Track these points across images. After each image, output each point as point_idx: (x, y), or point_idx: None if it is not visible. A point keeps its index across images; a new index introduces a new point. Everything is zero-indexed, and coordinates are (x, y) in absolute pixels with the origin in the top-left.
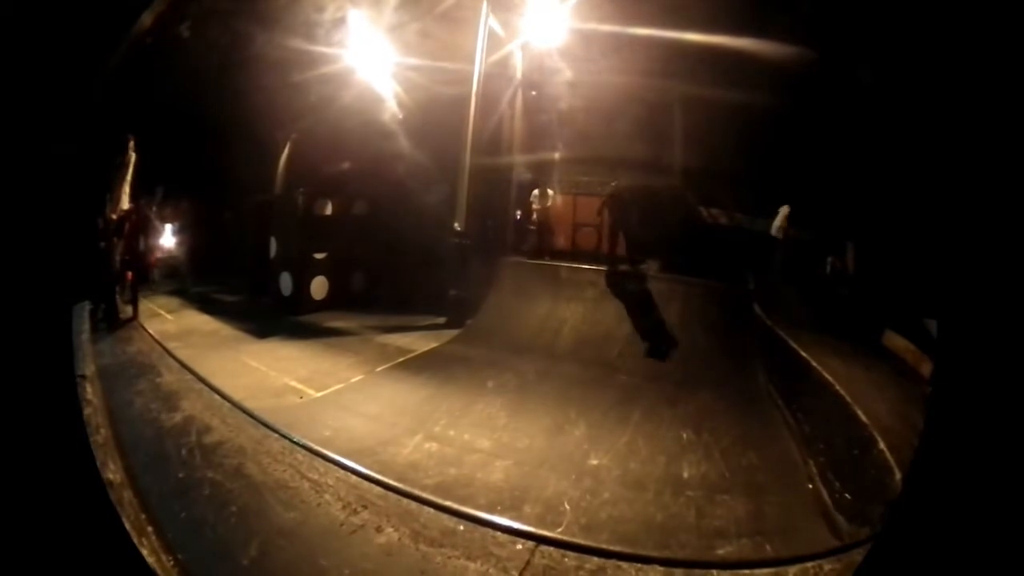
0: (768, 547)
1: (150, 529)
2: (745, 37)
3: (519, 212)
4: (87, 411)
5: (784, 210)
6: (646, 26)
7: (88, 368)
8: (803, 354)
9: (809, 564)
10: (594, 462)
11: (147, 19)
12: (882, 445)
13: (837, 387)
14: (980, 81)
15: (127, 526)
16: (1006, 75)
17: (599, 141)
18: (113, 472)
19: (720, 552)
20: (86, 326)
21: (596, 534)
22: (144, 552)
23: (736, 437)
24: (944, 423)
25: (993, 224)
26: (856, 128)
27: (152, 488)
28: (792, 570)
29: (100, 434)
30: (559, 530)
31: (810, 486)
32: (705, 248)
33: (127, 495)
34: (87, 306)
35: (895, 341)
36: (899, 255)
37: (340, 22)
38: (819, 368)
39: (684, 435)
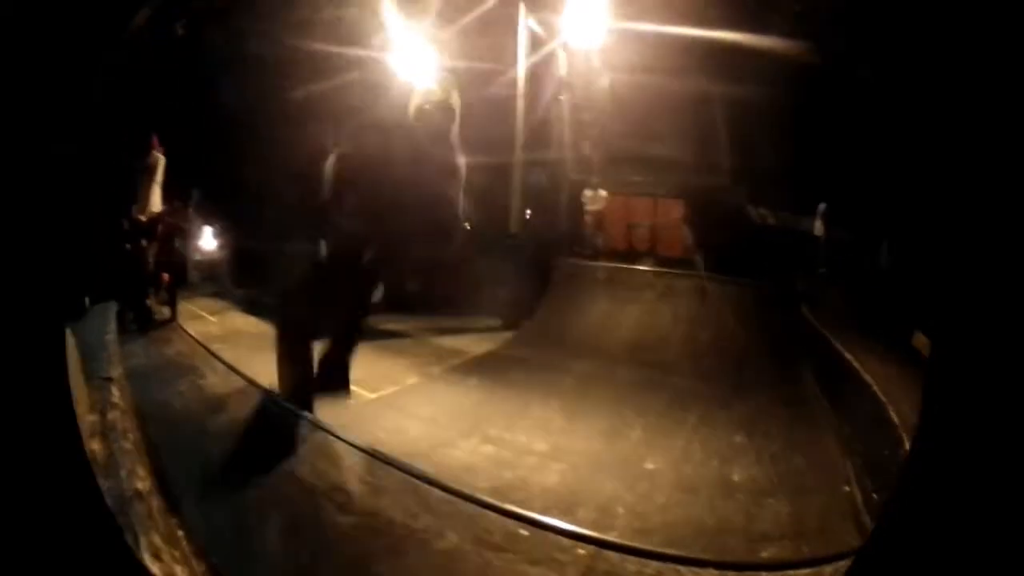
0: (806, 548)
1: (180, 535)
2: (787, 36)
3: (572, 214)
4: (112, 415)
5: (821, 208)
6: (691, 24)
7: (115, 370)
8: (846, 355)
9: (841, 563)
10: (649, 466)
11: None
12: (908, 446)
13: (874, 387)
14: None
15: (153, 536)
16: None
17: (647, 141)
18: (142, 479)
19: (763, 554)
20: (112, 328)
21: (649, 538)
22: (170, 561)
23: (785, 440)
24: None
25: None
26: (896, 124)
27: (190, 493)
28: (828, 569)
29: (128, 439)
30: (614, 534)
31: (847, 488)
32: (756, 248)
33: (156, 502)
34: (113, 307)
35: (923, 341)
36: (929, 254)
37: (381, 25)
38: (859, 369)
39: (737, 438)
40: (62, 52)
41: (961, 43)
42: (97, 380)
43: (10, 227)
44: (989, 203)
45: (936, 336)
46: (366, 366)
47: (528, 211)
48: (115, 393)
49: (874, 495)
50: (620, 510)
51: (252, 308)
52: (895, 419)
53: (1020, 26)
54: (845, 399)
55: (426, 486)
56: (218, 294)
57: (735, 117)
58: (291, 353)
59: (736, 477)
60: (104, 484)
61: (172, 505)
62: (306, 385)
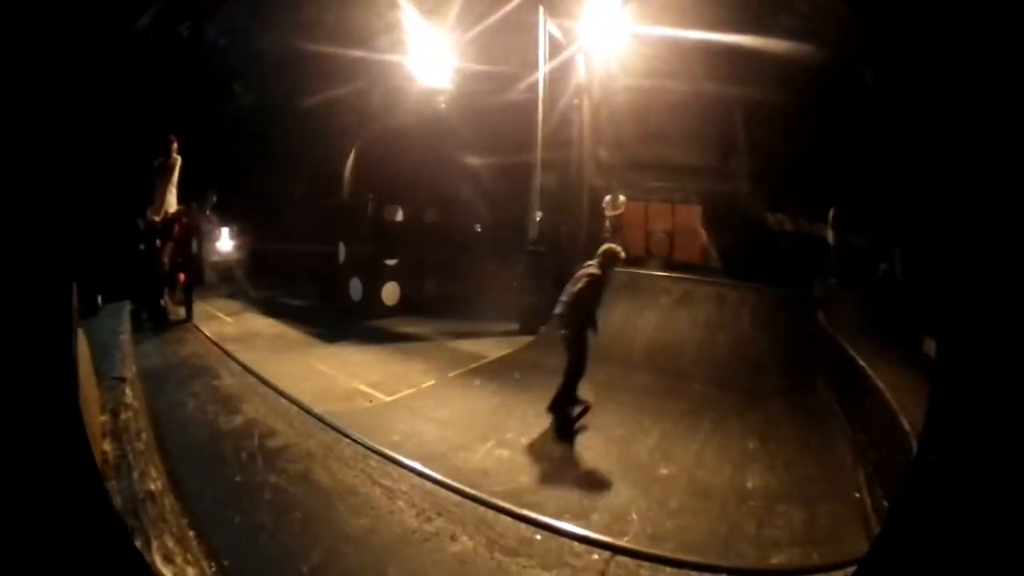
0: (816, 555)
1: (192, 535)
2: (803, 41)
3: (591, 218)
4: (125, 415)
5: (832, 212)
6: (709, 30)
7: (128, 371)
8: (860, 361)
9: (850, 569)
10: (663, 472)
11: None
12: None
13: (887, 395)
14: None
15: (165, 537)
16: None
17: (666, 146)
18: (154, 480)
19: (774, 560)
20: (125, 327)
21: (662, 543)
22: (182, 563)
23: (799, 447)
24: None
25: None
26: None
27: (204, 494)
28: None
29: (141, 439)
30: (627, 539)
31: (857, 495)
32: (773, 254)
33: (168, 502)
34: (127, 307)
35: (933, 348)
36: (940, 260)
37: (402, 29)
38: (872, 375)
39: (751, 444)
40: (73, 52)
41: (972, 47)
42: (110, 380)
43: (21, 225)
44: (995, 207)
45: (942, 342)
46: (382, 369)
47: (539, 214)
48: (128, 394)
49: (884, 503)
50: (634, 515)
51: (269, 309)
52: (906, 427)
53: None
54: (858, 406)
55: (441, 489)
56: (235, 295)
57: (753, 122)
58: None
59: (749, 483)
60: (116, 485)
61: (185, 506)
62: None
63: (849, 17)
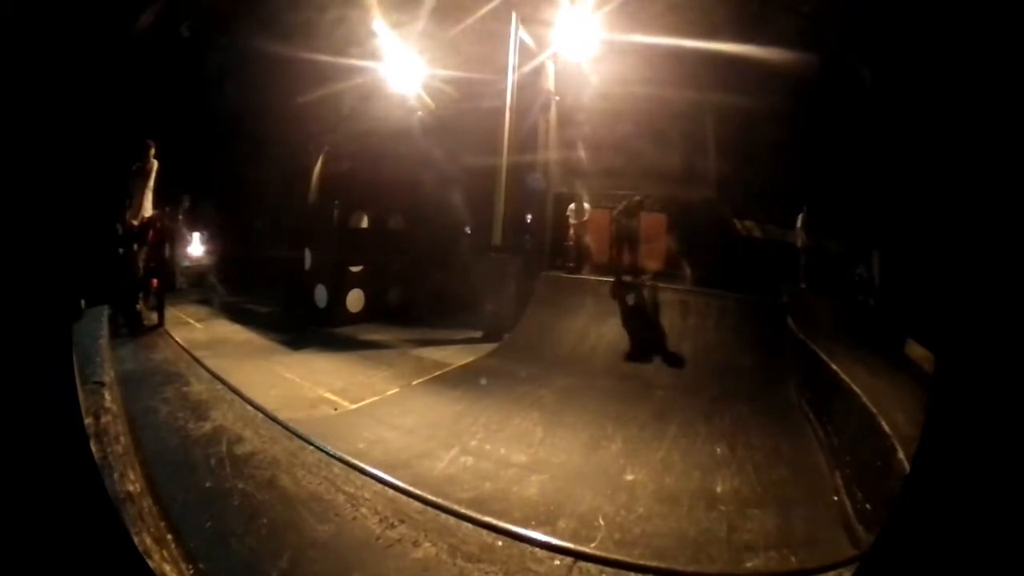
0: (793, 559)
1: (170, 538)
2: (771, 46)
3: (556, 225)
4: (105, 419)
5: (800, 217)
6: (676, 36)
7: (107, 375)
8: (832, 366)
9: (831, 573)
10: (629, 477)
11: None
12: (901, 455)
13: (863, 398)
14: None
15: (144, 537)
16: None
17: (632, 154)
18: (132, 482)
19: (749, 565)
20: (104, 332)
21: (630, 549)
22: (160, 561)
23: (769, 451)
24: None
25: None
26: (880, 134)
27: (176, 498)
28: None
29: (120, 443)
30: (593, 545)
31: (835, 498)
32: (740, 260)
33: (146, 504)
34: (105, 311)
35: (916, 351)
36: (921, 264)
37: (371, 35)
38: (847, 379)
39: (718, 449)
40: (56, 55)
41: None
42: (91, 384)
43: (11, 228)
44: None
45: (941, 346)
46: (346, 376)
47: (512, 223)
48: (107, 398)
49: (867, 505)
50: (600, 521)
51: (237, 315)
52: (887, 429)
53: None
54: (831, 410)
55: (403, 496)
56: (204, 300)
57: (721, 129)
58: None
59: (719, 488)
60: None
61: (161, 509)
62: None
63: (819, 21)
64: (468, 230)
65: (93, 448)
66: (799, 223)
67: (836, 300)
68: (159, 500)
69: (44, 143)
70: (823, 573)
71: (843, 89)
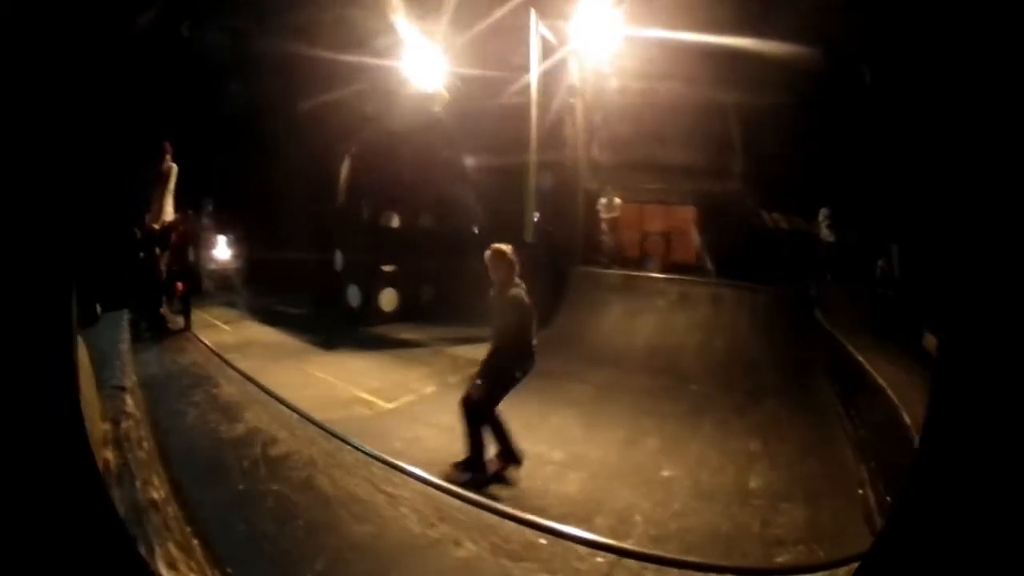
0: (820, 552)
1: (196, 543)
2: (796, 42)
3: (586, 221)
4: (126, 424)
5: (824, 211)
6: (702, 31)
7: (128, 380)
8: (858, 358)
9: (855, 565)
10: (666, 473)
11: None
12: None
13: (887, 391)
14: None
15: (169, 546)
16: None
17: (660, 147)
18: (156, 488)
19: (779, 559)
20: (125, 336)
21: (666, 545)
22: (186, 571)
23: (800, 444)
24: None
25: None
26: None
27: (205, 502)
28: (842, 571)
29: (143, 448)
30: (630, 541)
31: (860, 491)
32: (768, 253)
33: (171, 510)
34: (125, 316)
35: (932, 343)
36: (938, 256)
37: (395, 34)
38: (872, 372)
39: (752, 445)
40: (68, 56)
41: (967, 45)
42: (111, 389)
43: (19, 232)
44: (992, 204)
45: (944, 339)
46: (381, 376)
47: (536, 215)
48: (129, 402)
49: (888, 498)
50: (637, 518)
51: (267, 317)
52: (908, 422)
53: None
54: (858, 403)
55: (444, 495)
56: (232, 303)
57: (746, 121)
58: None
59: (752, 483)
60: (118, 493)
61: (188, 514)
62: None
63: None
64: (477, 230)
65: (112, 455)
66: (821, 216)
67: (858, 292)
68: (186, 506)
69: (46, 144)
70: (844, 565)
71: (861, 83)
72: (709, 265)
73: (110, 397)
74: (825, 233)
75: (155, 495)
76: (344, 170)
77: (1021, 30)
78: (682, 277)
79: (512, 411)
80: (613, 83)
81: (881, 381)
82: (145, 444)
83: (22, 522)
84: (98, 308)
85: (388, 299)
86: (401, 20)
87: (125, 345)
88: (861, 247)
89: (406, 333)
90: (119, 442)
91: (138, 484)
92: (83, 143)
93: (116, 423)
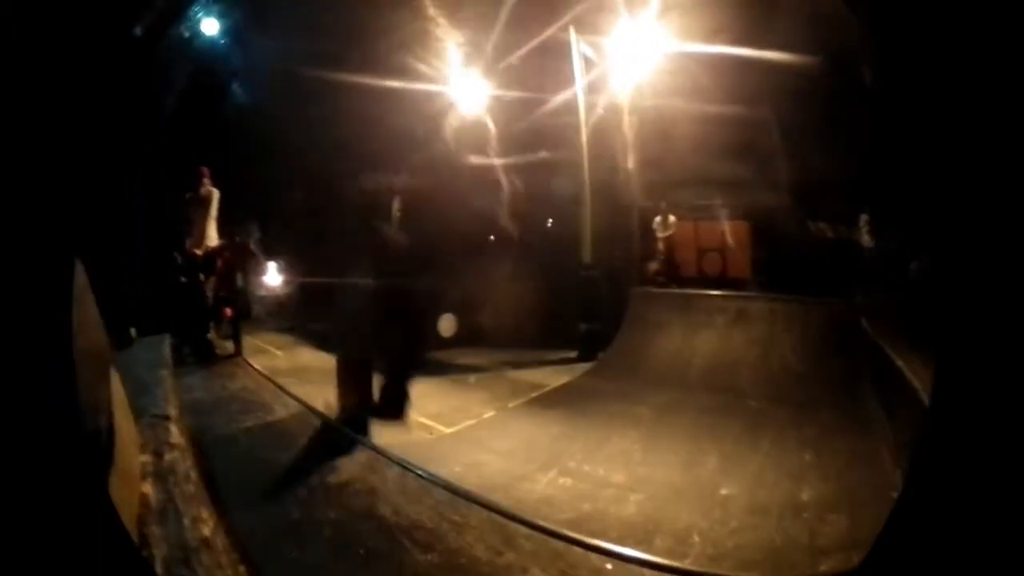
0: (856, 558)
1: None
2: (833, 53)
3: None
4: (170, 456)
5: (863, 219)
6: (744, 46)
7: (172, 407)
8: (899, 365)
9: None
10: (724, 491)
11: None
12: None
13: (920, 393)
14: None
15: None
16: None
17: (708, 162)
18: (205, 522)
19: (822, 567)
20: (166, 362)
21: (721, 563)
22: None
23: (849, 454)
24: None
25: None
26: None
27: (257, 531)
28: None
29: (190, 481)
30: (687, 561)
31: (894, 495)
32: (816, 264)
33: (221, 543)
34: (167, 341)
35: None
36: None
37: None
38: (913, 380)
39: (806, 456)
40: (87, 65)
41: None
42: (150, 418)
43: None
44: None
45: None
46: (442, 400)
47: (600, 240)
48: (173, 432)
49: None
50: (696, 537)
51: (320, 343)
52: None
53: None
54: (898, 411)
55: (510, 522)
56: (285, 329)
57: (788, 132)
58: (349, 380)
59: (804, 496)
60: (159, 531)
61: (242, 552)
62: (363, 411)
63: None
64: (554, 248)
65: (152, 489)
66: (862, 222)
67: (901, 300)
68: (237, 537)
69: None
70: None
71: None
72: (763, 279)
73: (150, 426)
74: (866, 239)
75: (206, 532)
76: (397, 196)
77: None
78: (739, 293)
79: (575, 434)
80: (657, 100)
81: (916, 384)
82: (192, 476)
83: (23, 522)
84: (132, 332)
85: (447, 323)
86: (449, 48)
87: (166, 371)
88: (899, 252)
89: (465, 357)
90: (162, 475)
91: (186, 521)
92: (90, 155)
93: (159, 455)
